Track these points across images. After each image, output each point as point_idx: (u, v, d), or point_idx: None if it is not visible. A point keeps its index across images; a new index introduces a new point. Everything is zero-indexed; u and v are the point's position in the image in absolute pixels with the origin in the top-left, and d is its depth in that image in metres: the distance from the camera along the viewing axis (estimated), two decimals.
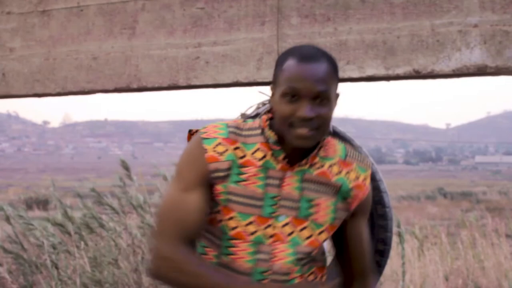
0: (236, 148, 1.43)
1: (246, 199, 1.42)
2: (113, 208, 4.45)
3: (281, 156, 1.43)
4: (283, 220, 1.43)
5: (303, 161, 1.44)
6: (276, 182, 1.43)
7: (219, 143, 1.42)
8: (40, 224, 4.64)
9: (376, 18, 2.23)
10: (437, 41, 2.16)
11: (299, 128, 1.36)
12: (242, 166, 1.42)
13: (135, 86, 2.54)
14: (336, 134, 2.10)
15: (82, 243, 4.26)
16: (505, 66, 2.10)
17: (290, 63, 1.38)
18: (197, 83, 2.46)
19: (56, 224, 4.34)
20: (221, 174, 1.42)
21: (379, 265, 2.23)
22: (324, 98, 1.37)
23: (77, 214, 4.75)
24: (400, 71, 2.21)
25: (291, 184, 1.44)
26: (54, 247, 4.26)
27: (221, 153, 1.41)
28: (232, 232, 1.42)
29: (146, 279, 4.14)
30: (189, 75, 2.46)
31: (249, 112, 2.37)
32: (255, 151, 1.43)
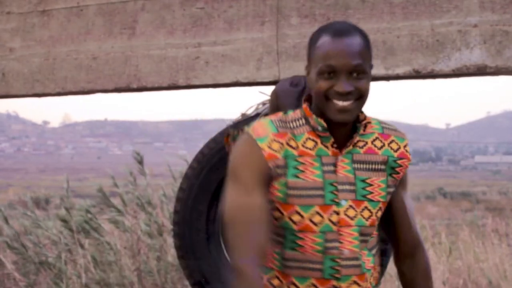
0: (288, 142, 1.43)
1: (308, 191, 1.42)
2: (120, 207, 4.43)
3: (331, 142, 1.44)
4: (345, 204, 1.44)
5: (349, 142, 1.45)
6: (331, 168, 1.44)
7: (273, 140, 1.41)
8: (43, 224, 4.64)
9: (376, 18, 2.23)
10: (437, 41, 2.16)
11: (339, 101, 1.38)
12: (298, 158, 1.43)
13: (135, 86, 2.54)
14: None
15: (87, 241, 4.25)
16: (505, 66, 2.10)
17: (324, 40, 1.39)
18: (197, 83, 2.47)
19: (62, 220, 4.32)
20: (280, 171, 1.41)
21: (381, 265, 2.23)
22: (360, 71, 1.39)
23: (77, 215, 4.74)
24: (400, 71, 2.21)
25: (344, 168, 1.45)
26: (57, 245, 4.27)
27: (277, 150, 1.41)
28: (298, 226, 1.43)
29: (148, 279, 4.13)
30: (189, 75, 2.46)
31: (249, 112, 2.37)
32: (306, 141, 1.44)
